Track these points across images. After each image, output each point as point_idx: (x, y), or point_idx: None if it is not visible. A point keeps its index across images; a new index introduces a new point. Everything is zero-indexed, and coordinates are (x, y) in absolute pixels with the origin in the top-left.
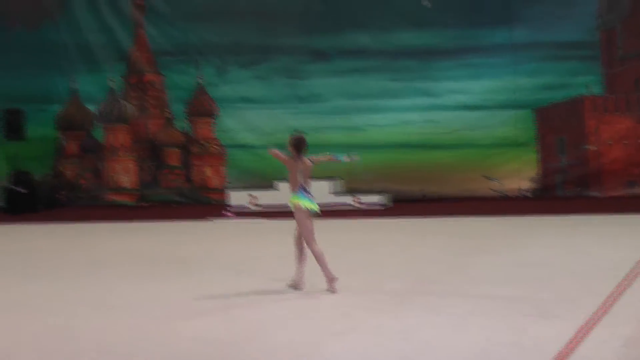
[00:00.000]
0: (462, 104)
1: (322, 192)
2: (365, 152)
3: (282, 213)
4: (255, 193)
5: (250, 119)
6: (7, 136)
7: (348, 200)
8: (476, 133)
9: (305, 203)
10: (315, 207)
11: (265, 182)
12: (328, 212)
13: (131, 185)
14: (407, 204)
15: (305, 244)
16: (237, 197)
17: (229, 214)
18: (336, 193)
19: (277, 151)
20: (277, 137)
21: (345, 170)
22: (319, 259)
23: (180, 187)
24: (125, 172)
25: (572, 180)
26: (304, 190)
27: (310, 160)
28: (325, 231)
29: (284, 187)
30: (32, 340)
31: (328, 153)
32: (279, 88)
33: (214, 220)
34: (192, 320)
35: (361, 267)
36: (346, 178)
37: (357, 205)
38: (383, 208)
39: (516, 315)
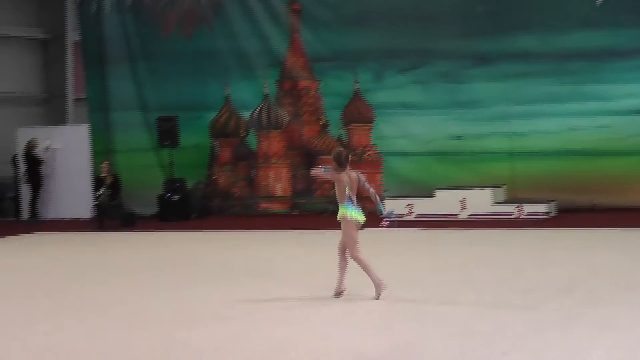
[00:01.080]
0: (637, 108)
1: (484, 201)
2: (529, 160)
3: (440, 223)
4: (412, 201)
5: (408, 125)
6: (161, 144)
7: (510, 209)
8: None
9: (352, 214)
10: (362, 218)
11: (423, 191)
12: (489, 222)
13: (284, 193)
14: (573, 214)
15: (347, 254)
16: (394, 206)
17: (385, 223)
18: (498, 202)
19: (318, 171)
20: (436, 144)
21: (509, 178)
22: (365, 267)
23: (334, 195)
24: (278, 180)
25: None
26: (350, 201)
27: (359, 177)
28: (485, 242)
29: (442, 195)
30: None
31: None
32: (438, 93)
33: (367, 229)
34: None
35: (530, 281)
36: (510, 186)
37: (519, 215)
38: (546, 218)
39: None
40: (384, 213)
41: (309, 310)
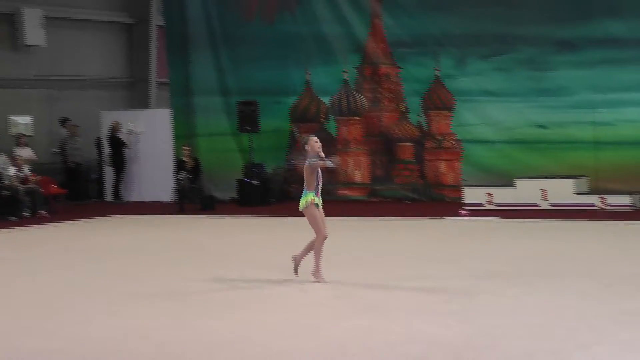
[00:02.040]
0: None
1: (566, 191)
2: (614, 149)
3: (520, 212)
4: (491, 190)
5: (490, 112)
6: (242, 128)
7: (594, 200)
8: None
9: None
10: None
11: (503, 180)
12: (570, 213)
13: (363, 180)
14: None
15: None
16: (473, 195)
17: (464, 212)
18: (581, 193)
19: (319, 163)
20: (518, 131)
21: (592, 167)
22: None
23: (413, 182)
24: (357, 166)
25: None
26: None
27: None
28: (567, 233)
29: (523, 185)
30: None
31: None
32: (521, 80)
33: (446, 218)
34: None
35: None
36: (593, 176)
37: (603, 206)
38: (632, 210)
39: None
40: (332, 164)
41: (392, 298)
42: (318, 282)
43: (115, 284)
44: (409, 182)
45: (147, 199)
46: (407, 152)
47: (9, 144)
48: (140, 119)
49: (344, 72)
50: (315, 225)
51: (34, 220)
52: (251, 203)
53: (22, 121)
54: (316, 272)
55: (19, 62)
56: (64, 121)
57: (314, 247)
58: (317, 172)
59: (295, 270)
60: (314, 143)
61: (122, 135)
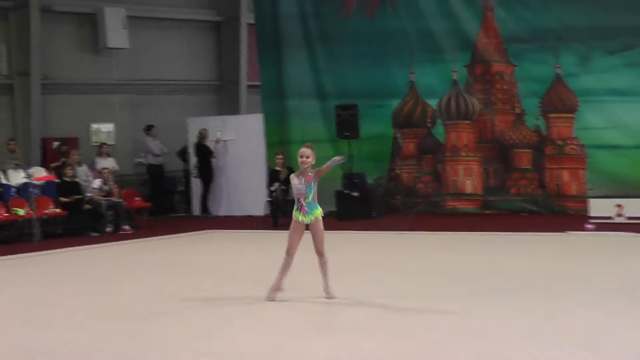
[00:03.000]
0: None
1: None
2: None
3: None
4: (621, 202)
5: (619, 114)
6: (340, 134)
7: None
8: None
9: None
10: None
11: (635, 190)
12: None
13: (474, 191)
14: None
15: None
16: (600, 207)
17: (589, 226)
18: None
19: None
20: None
21: None
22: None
23: (532, 193)
24: (467, 176)
25: None
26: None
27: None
28: None
29: None
30: None
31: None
32: None
33: (569, 233)
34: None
35: None
36: None
37: None
38: None
39: None
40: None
41: (516, 325)
42: (268, 299)
43: (208, 306)
44: (526, 192)
45: (237, 212)
46: (524, 159)
47: (90, 154)
48: (229, 125)
49: (453, 71)
50: (289, 237)
51: (117, 236)
52: (351, 216)
53: (104, 129)
54: (275, 286)
55: (100, 66)
56: (148, 129)
57: (283, 260)
58: (296, 187)
59: (328, 294)
60: (299, 158)
61: (210, 144)
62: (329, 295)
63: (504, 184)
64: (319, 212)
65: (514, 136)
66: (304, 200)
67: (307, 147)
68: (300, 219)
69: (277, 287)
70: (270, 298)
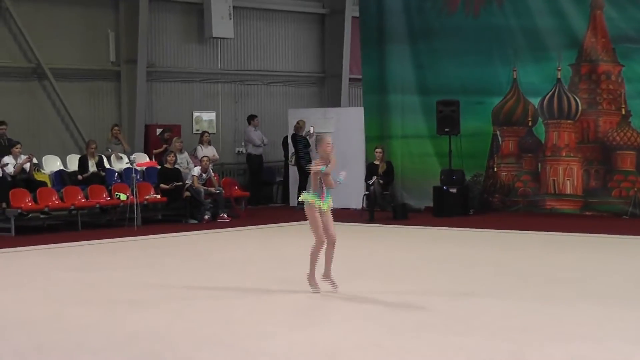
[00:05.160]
0: None
1: None
2: None
3: None
4: None
5: None
6: (441, 130)
7: None
8: None
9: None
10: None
11: None
12: None
13: (574, 192)
14: None
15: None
16: None
17: None
18: None
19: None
20: None
21: None
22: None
23: (635, 196)
24: (568, 176)
25: None
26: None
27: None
28: None
29: None
30: None
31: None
32: None
33: None
34: None
35: None
36: None
37: None
38: None
39: None
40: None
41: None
42: (312, 291)
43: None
44: (629, 195)
45: (335, 204)
46: (627, 161)
47: (191, 142)
48: (329, 118)
49: (557, 69)
50: (313, 227)
51: (214, 224)
52: (448, 213)
53: (207, 117)
54: (311, 277)
55: (205, 55)
56: (251, 118)
57: (311, 251)
58: (321, 177)
59: (333, 285)
60: (326, 146)
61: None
62: (333, 283)
63: (605, 185)
64: (330, 200)
65: (618, 137)
66: (326, 187)
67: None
68: (319, 204)
69: (326, 275)
70: (313, 290)
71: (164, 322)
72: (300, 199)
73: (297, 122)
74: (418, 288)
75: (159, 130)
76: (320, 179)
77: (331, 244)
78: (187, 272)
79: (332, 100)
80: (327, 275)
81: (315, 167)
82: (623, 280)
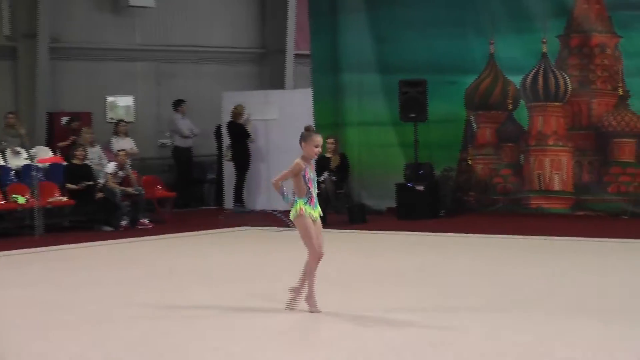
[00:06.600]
0: None
1: None
2: None
3: None
4: None
5: None
6: (405, 116)
7: None
8: None
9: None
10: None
11: None
12: None
13: (564, 187)
14: None
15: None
16: None
17: None
18: None
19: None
20: None
21: None
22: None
23: (635, 192)
24: (556, 169)
25: None
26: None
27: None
28: None
29: None
30: None
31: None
32: None
33: None
34: None
35: None
36: None
37: None
38: None
39: None
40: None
41: None
42: (311, 311)
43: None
44: (627, 191)
45: (279, 206)
46: (626, 151)
47: (105, 133)
48: (271, 102)
49: (542, 42)
50: (306, 239)
51: (133, 231)
52: (414, 215)
53: (123, 103)
54: (309, 297)
55: (120, 28)
56: (177, 104)
57: (307, 268)
58: (305, 174)
59: (291, 303)
60: (314, 147)
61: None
62: (314, 307)
63: (600, 180)
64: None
65: (615, 122)
66: (314, 190)
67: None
68: (310, 213)
69: (307, 296)
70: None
71: (78, 349)
72: (292, 216)
73: (235, 108)
74: (379, 305)
75: (65, 119)
76: (305, 181)
77: (315, 258)
78: (100, 289)
79: (274, 81)
80: (310, 299)
81: (279, 176)
82: (626, 292)
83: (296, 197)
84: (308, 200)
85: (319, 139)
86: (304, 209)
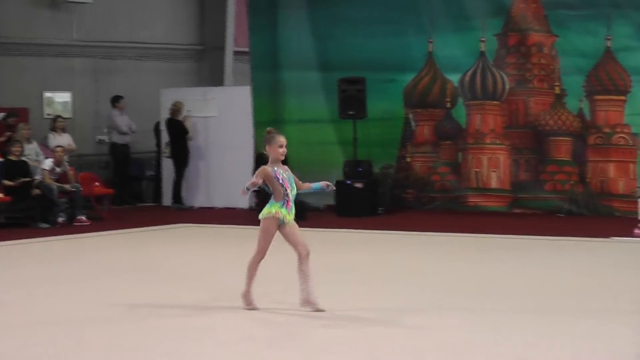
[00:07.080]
0: None
1: None
2: None
3: None
4: None
5: None
6: (344, 114)
7: None
8: None
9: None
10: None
11: None
12: None
13: (501, 186)
14: None
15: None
16: None
17: (638, 231)
18: None
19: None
20: None
21: None
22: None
23: (570, 190)
24: (493, 167)
25: None
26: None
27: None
28: None
29: None
30: None
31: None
32: None
33: (615, 239)
34: None
35: None
36: None
37: None
38: None
39: None
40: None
41: None
42: (249, 309)
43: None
44: (564, 189)
45: (217, 204)
46: (562, 149)
47: (42, 129)
48: (210, 99)
49: (481, 41)
50: (263, 239)
51: (71, 228)
52: (353, 212)
53: (60, 99)
54: (246, 293)
55: (58, 23)
56: (115, 100)
57: (250, 264)
58: (277, 175)
59: (314, 303)
60: (278, 148)
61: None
62: (315, 305)
63: (537, 178)
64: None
65: (552, 121)
66: (290, 192)
67: (282, 135)
68: (282, 216)
69: (307, 298)
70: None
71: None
72: (262, 216)
73: (173, 104)
74: (325, 305)
75: (1, 115)
76: (279, 182)
77: (306, 256)
78: (37, 287)
79: (213, 77)
80: (308, 299)
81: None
82: (563, 290)
83: (272, 200)
84: (284, 203)
85: (282, 139)
86: (279, 213)
